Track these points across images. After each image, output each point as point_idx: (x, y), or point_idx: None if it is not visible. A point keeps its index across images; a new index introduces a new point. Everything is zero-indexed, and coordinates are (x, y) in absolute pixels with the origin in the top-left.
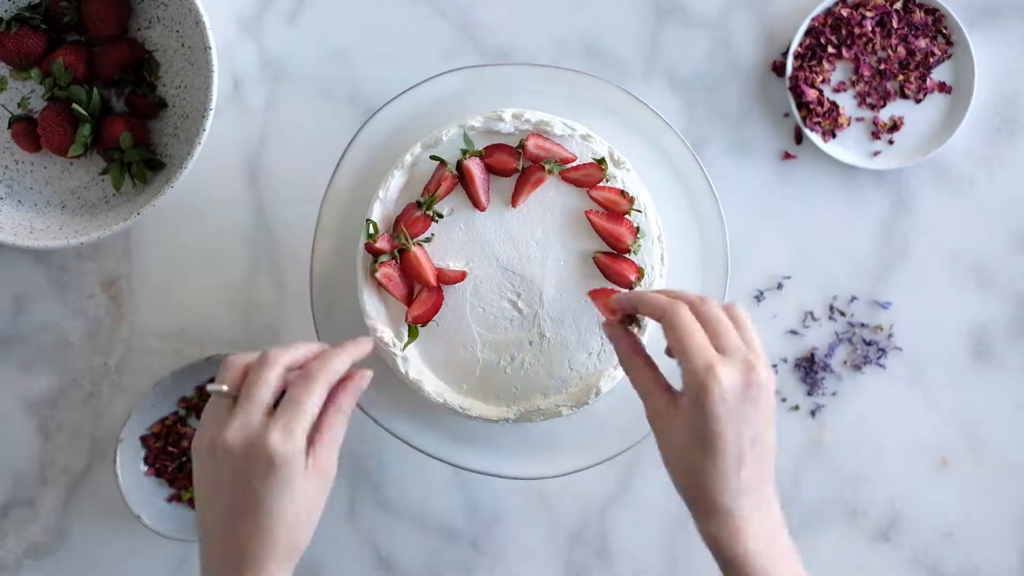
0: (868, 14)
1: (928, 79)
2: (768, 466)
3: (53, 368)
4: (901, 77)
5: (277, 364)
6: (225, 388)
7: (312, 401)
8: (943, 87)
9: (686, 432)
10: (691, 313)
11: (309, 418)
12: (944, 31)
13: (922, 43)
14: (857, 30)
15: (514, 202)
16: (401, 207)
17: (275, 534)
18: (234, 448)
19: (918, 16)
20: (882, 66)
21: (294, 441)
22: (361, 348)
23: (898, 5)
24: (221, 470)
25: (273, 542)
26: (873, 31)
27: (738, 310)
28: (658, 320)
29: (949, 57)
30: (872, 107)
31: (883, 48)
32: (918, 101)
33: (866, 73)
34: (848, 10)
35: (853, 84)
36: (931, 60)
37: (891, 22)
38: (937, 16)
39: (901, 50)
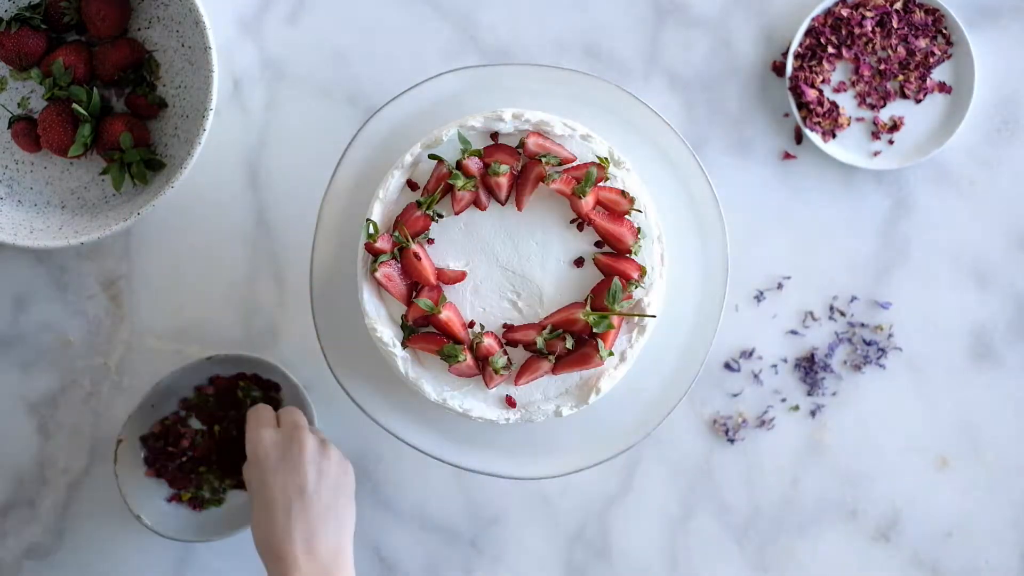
0: (868, 14)
1: (928, 79)
2: (323, 515)
3: (53, 368)
4: (901, 77)
5: None
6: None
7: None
8: (943, 87)
9: (253, 494)
10: (267, 411)
11: None
12: (944, 31)
13: (922, 43)
14: (857, 30)
15: (518, 204)
16: (401, 207)
17: None
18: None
19: (918, 16)
20: (882, 66)
21: None
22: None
23: (898, 5)
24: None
25: None
26: (873, 31)
27: None
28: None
29: (949, 57)
30: (872, 107)
31: (883, 48)
32: (918, 101)
33: (866, 73)
34: (848, 10)
35: (853, 84)
36: (931, 60)
37: (891, 22)
38: (937, 16)
39: (901, 50)
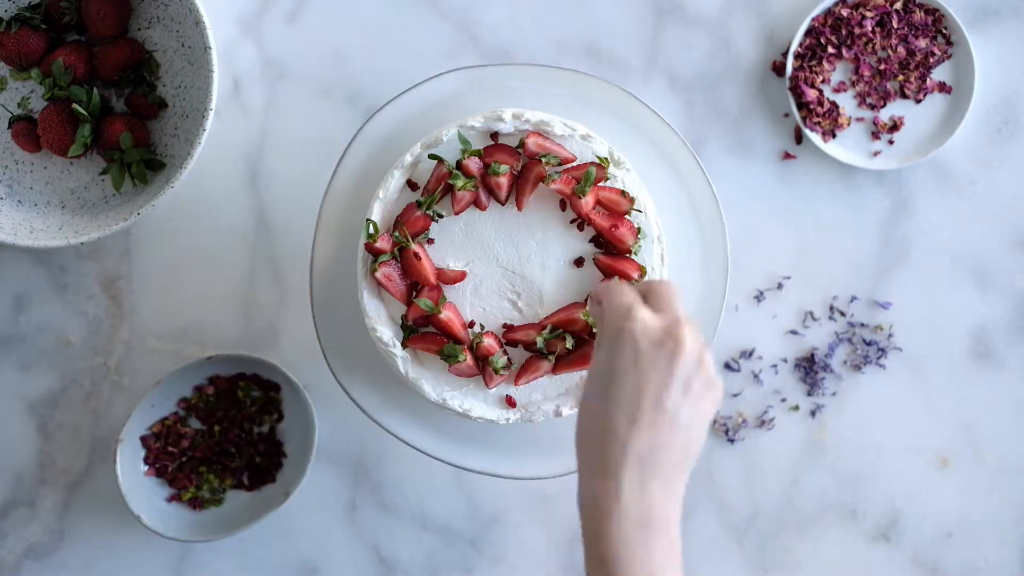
0: (868, 14)
1: (928, 79)
2: (672, 439)
3: (53, 368)
4: (901, 77)
5: None
6: None
7: None
8: (943, 87)
9: (596, 375)
10: (633, 287)
11: None
12: (944, 31)
13: (922, 43)
14: (857, 30)
15: (518, 204)
16: (401, 207)
17: None
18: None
19: (918, 16)
20: (882, 66)
21: None
22: None
23: (898, 5)
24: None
25: None
26: (873, 31)
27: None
28: (601, 300)
29: (949, 57)
30: (872, 107)
31: (883, 48)
32: (918, 101)
33: (866, 73)
34: (848, 10)
35: (853, 84)
36: (931, 60)
37: (891, 22)
38: (937, 16)
39: (901, 50)
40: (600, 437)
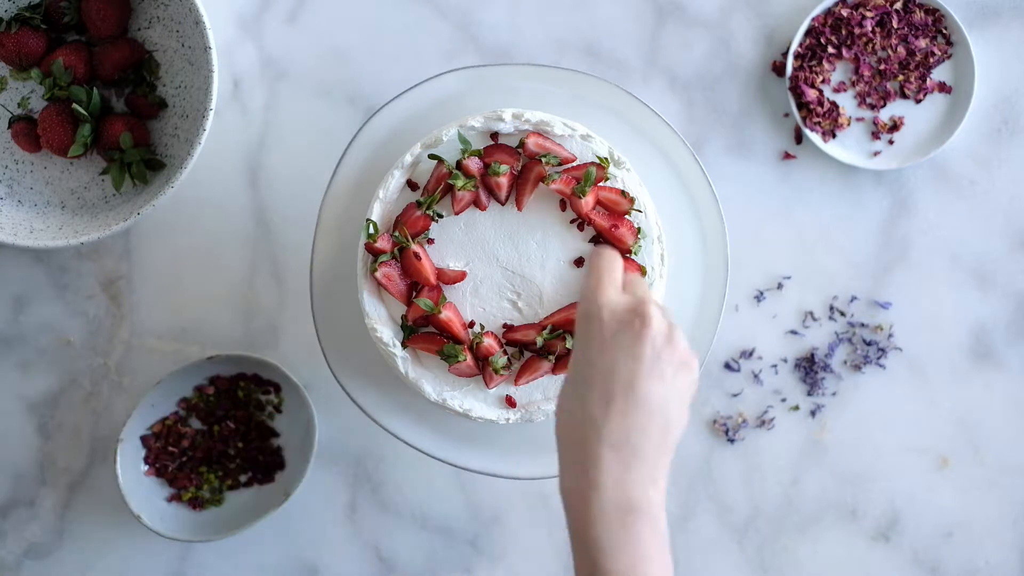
0: (868, 14)
1: (928, 79)
2: (647, 421)
3: (53, 368)
4: (901, 77)
5: None
6: None
7: None
8: (943, 87)
9: (572, 363)
10: (617, 262)
11: None
12: (944, 31)
13: (922, 43)
14: (857, 30)
15: (518, 204)
16: (401, 207)
17: None
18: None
19: (918, 16)
20: (882, 66)
21: None
22: None
23: (898, 5)
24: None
25: None
26: (873, 31)
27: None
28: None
29: (949, 57)
30: (872, 107)
31: (883, 48)
32: (918, 101)
33: (866, 73)
34: (848, 10)
35: (853, 84)
36: (931, 60)
37: (891, 22)
38: (937, 16)
39: (901, 50)
40: (577, 425)
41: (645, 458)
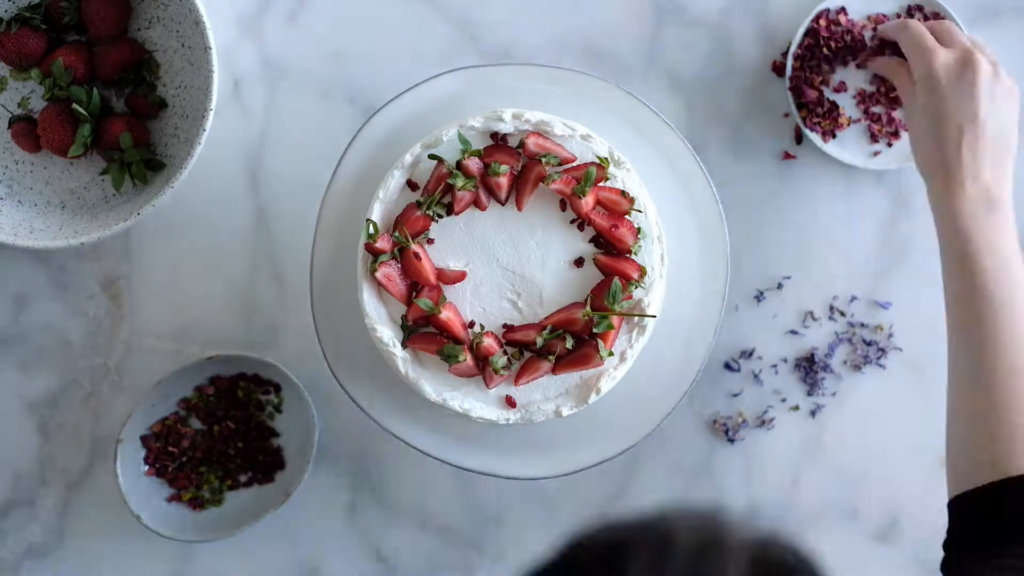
0: (869, 25)
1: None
2: (990, 141)
3: (53, 368)
4: None
5: None
6: None
7: None
8: None
9: (919, 112)
10: (923, 25)
11: None
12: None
13: None
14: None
15: (518, 204)
16: (401, 207)
17: None
18: None
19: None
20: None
21: None
22: None
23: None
24: None
25: None
26: (880, 48)
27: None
28: (895, 39)
29: None
30: (876, 118)
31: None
32: None
33: (870, 87)
34: (847, 19)
35: (860, 99)
36: None
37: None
38: (939, 18)
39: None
40: (939, 155)
41: (995, 163)
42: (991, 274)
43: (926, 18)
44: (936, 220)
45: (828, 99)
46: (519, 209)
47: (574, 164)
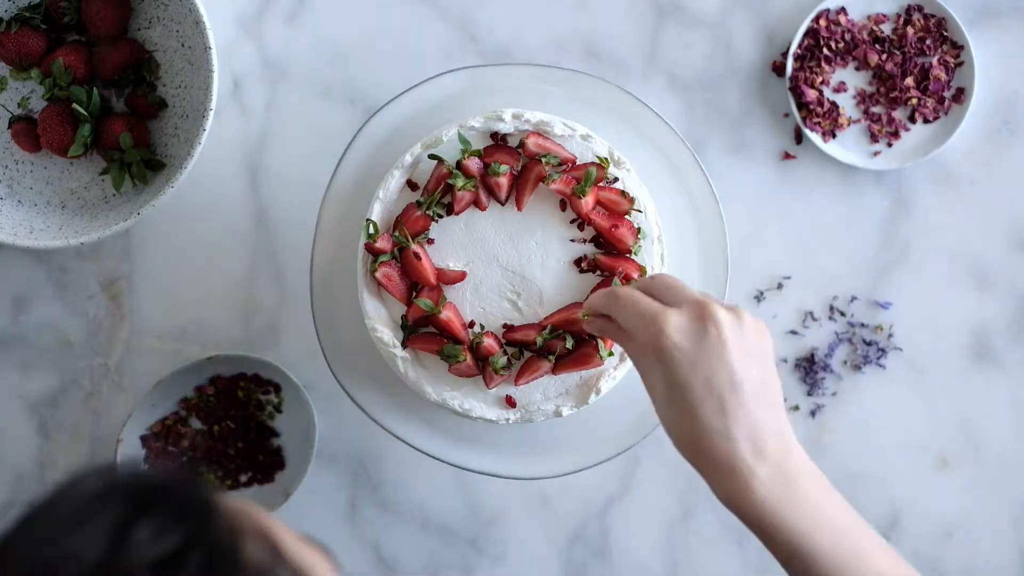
0: (871, 26)
1: (945, 100)
2: (760, 402)
3: (53, 368)
4: (915, 101)
5: None
6: None
7: None
8: (957, 98)
9: (662, 391)
10: (634, 287)
11: None
12: (945, 33)
13: (936, 71)
14: (860, 45)
15: (518, 204)
16: (401, 207)
17: None
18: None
19: (920, 25)
20: (888, 87)
21: None
22: None
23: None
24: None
25: None
26: (885, 53)
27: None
28: (608, 313)
29: (952, 78)
30: (877, 119)
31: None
32: (934, 119)
33: (871, 88)
34: (847, 19)
35: (860, 99)
36: (945, 82)
37: (898, 38)
38: (939, 20)
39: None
40: (708, 446)
41: (772, 431)
42: (828, 551)
43: (926, 18)
44: (741, 519)
45: (828, 99)
46: (519, 209)
47: (574, 164)
